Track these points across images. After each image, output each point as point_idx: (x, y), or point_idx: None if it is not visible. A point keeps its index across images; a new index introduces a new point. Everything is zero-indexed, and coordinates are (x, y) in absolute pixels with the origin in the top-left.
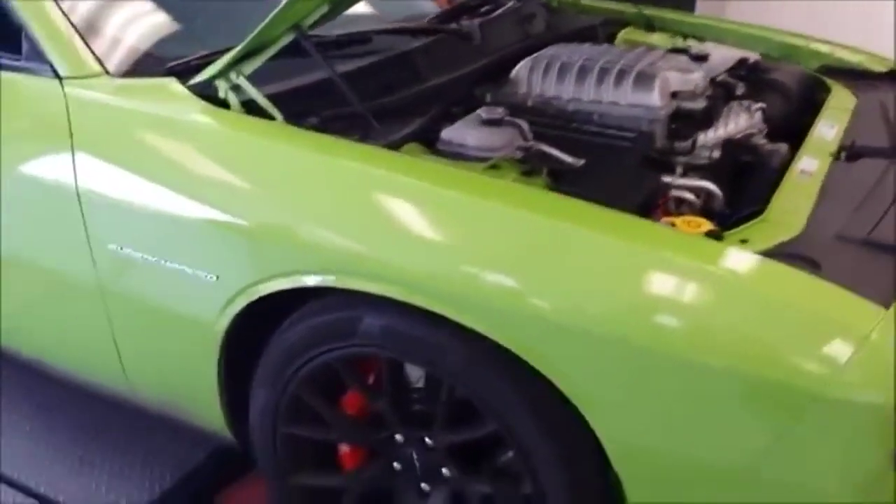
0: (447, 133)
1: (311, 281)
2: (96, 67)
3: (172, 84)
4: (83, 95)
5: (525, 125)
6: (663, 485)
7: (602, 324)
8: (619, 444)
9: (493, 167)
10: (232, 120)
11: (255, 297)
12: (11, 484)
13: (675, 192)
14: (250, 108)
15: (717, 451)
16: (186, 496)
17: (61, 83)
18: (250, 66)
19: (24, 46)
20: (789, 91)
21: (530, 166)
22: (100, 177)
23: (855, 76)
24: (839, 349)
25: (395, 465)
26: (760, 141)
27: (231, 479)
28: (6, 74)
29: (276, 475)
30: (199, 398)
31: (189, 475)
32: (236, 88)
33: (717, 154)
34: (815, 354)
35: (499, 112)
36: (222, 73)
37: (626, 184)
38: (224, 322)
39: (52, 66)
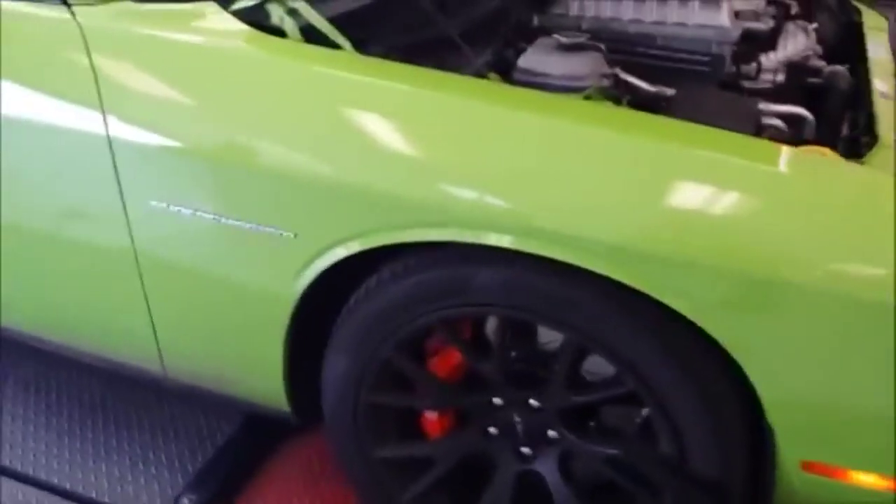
0: (526, 61)
1: (417, 236)
2: None
3: (212, 9)
4: (103, 26)
5: (604, 50)
6: (819, 433)
7: (757, 262)
8: (775, 392)
9: (587, 98)
10: (294, 50)
11: (340, 256)
12: (16, 477)
13: (764, 120)
14: (307, 36)
15: (876, 395)
16: (223, 471)
17: (71, 11)
18: None
19: None
20: (832, 11)
21: (614, 96)
22: (136, 123)
23: None
24: None
25: (491, 429)
26: (819, 62)
27: (266, 449)
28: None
29: (357, 448)
30: (256, 370)
31: (223, 449)
32: (293, 13)
33: (781, 77)
34: None
35: (580, 36)
36: None
37: (729, 112)
38: (299, 285)
39: None
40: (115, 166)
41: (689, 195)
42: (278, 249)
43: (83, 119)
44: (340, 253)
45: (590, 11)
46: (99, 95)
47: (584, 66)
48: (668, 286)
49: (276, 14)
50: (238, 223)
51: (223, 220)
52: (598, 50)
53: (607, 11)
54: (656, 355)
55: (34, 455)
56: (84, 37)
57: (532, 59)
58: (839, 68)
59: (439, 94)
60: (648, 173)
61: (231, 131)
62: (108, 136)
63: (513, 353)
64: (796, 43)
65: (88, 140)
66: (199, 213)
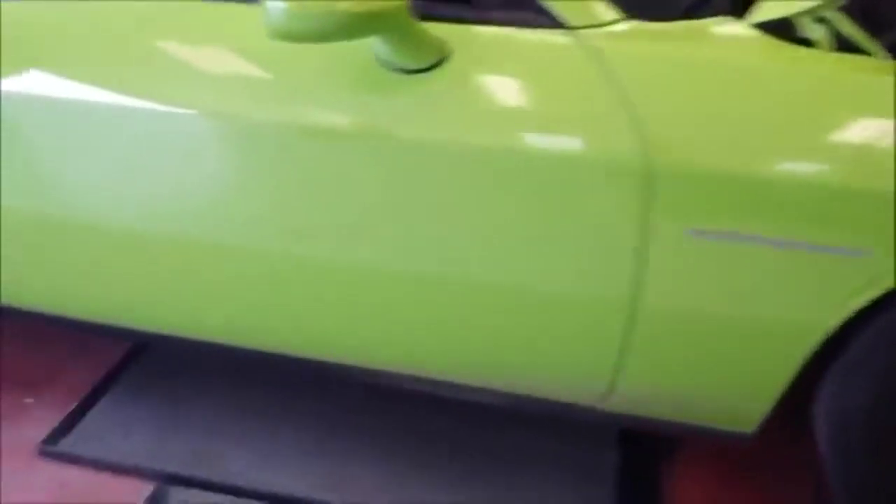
0: None
1: None
2: (607, 13)
3: (735, 23)
4: (620, 48)
5: None
6: None
7: None
8: None
9: None
10: (842, 61)
11: None
12: None
13: None
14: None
15: None
16: (634, 497)
17: (574, 34)
18: None
19: None
20: None
21: None
22: (679, 146)
23: None
24: None
25: None
26: None
27: (653, 460)
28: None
29: (877, 475)
30: (745, 396)
31: (623, 473)
32: (822, 21)
33: None
34: None
35: None
36: (816, 9)
37: None
38: (848, 308)
39: (548, 14)
40: (644, 196)
41: None
42: (837, 271)
43: (603, 150)
44: None
45: None
46: (634, 121)
47: None
48: None
49: (808, 25)
50: (797, 246)
51: (777, 244)
52: None
53: None
54: None
55: None
56: (600, 61)
57: None
58: None
59: None
60: None
61: (790, 145)
62: (646, 165)
63: None
64: None
65: (610, 170)
66: (747, 239)
